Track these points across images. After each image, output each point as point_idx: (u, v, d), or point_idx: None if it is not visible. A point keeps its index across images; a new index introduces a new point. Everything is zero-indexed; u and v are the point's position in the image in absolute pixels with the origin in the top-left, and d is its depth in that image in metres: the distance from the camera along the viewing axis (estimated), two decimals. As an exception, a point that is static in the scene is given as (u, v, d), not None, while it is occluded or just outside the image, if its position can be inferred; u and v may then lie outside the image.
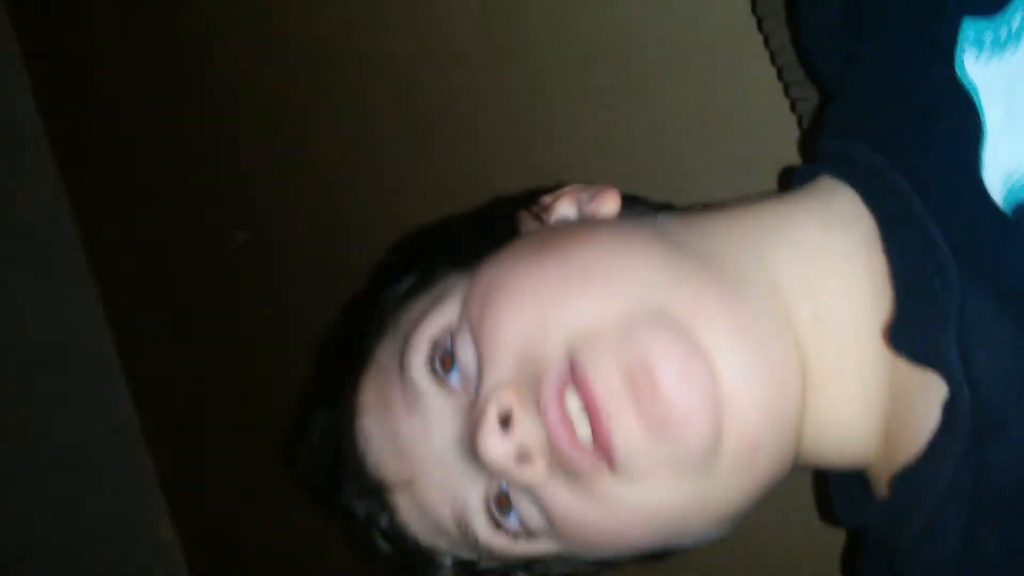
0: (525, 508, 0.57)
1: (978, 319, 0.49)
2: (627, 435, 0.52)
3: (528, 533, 0.58)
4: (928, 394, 0.51)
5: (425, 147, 1.13)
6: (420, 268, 0.65)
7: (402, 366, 0.59)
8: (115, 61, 1.57)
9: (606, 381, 0.51)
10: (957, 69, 0.50)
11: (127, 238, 1.73)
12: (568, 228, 0.62)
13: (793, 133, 0.80)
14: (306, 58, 1.23)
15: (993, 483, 0.48)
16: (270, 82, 1.31)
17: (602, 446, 0.52)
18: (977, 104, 0.49)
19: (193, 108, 1.46)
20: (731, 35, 0.82)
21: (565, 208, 0.64)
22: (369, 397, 0.62)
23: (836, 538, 0.83)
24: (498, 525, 0.58)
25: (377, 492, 0.62)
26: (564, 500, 0.55)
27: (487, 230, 0.64)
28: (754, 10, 0.79)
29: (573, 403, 0.53)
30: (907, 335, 0.52)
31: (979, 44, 0.49)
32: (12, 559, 1.70)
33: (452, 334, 0.58)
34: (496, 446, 0.53)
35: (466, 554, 0.62)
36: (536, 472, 0.54)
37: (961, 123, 0.49)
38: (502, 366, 0.55)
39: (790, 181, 0.64)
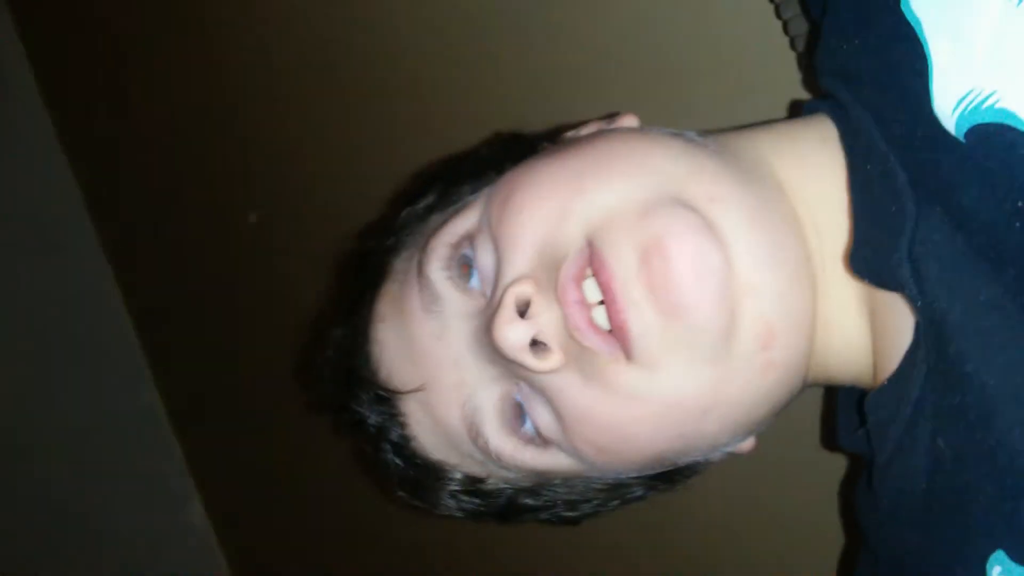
0: (537, 412, 0.58)
1: (932, 240, 0.50)
2: (641, 317, 0.52)
3: (539, 440, 0.59)
4: (900, 318, 0.53)
5: (430, 132, 1.14)
6: (439, 188, 0.66)
7: (420, 271, 0.60)
8: (124, 45, 1.57)
9: (623, 262, 0.52)
10: (903, 5, 0.50)
11: (142, 223, 1.74)
12: (587, 136, 0.64)
13: (792, 67, 0.80)
14: (311, 44, 1.23)
15: (946, 394, 0.49)
16: (278, 68, 1.32)
17: (617, 328, 0.52)
18: (921, 38, 0.49)
19: (203, 93, 1.47)
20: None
21: (585, 130, 0.66)
22: (385, 307, 0.63)
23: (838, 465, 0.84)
24: (509, 429, 0.59)
25: (389, 400, 0.62)
26: (577, 393, 0.55)
27: (508, 151, 0.64)
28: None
29: (591, 292, 0.54)
30: (863, 259, 0.53)
31: None
32: (44, 548, 1.71)
33: (472, 238, 0.59)
34: (512, 331, 0.53)
35: (475, 468, 0.62)
36: (551, 360, 0.54)
37: (907, 58, 0.50)
38: (521, 259, 0.55)
39: (798, 114, 0.66)
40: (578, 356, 0.54)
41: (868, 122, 0.54)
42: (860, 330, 0.58)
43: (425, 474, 0.64)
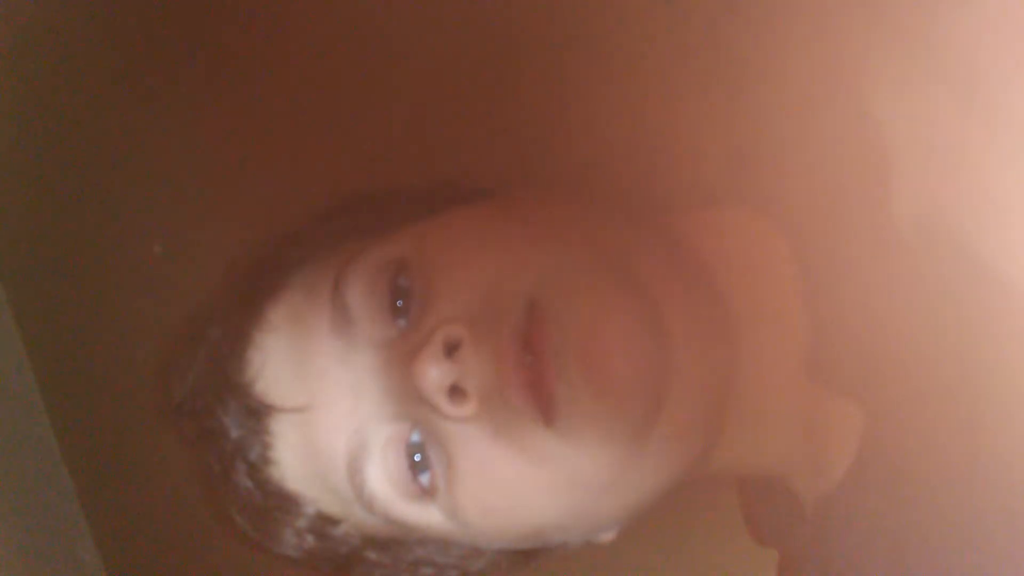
0: (429, 461, 0.55)
1: None
2: (570, 387, 0.50)
3: (421, 493, 0.56)
4: (845, 424, 0.53)
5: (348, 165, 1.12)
6: (362, 213, 0.64)
7: (337, 289, 0.56)
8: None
9: (563, 330, 0.50)
10: None
11: (43, 260, 1.68)
12: (534, 197, 0.62)
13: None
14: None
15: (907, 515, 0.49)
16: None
17: (545, 395, 0.51)
18: None
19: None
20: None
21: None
22: (279, 317, 0.59)
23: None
24: (389, 474, 0.56)
25: (260, 415, 0.58)
26: (482, 446, 0.53)
27: (441, 192, 0.63)
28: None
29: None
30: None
31: None
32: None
33: (400, 266, 0.56)
34: (436, 369, 0.51)
35: (333, 507, 0.59)
36: (466, 407, 0.51)
37: None
38: (461, 301, 0.53)
39: None
40: (493, 409, 0.52)
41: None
42: (783, 435, 0.58)
43: (275, 503, 0.60)
